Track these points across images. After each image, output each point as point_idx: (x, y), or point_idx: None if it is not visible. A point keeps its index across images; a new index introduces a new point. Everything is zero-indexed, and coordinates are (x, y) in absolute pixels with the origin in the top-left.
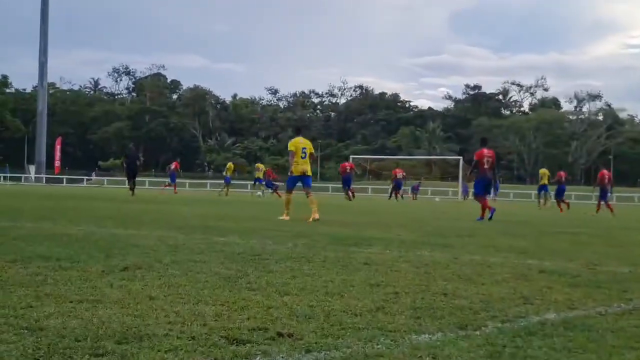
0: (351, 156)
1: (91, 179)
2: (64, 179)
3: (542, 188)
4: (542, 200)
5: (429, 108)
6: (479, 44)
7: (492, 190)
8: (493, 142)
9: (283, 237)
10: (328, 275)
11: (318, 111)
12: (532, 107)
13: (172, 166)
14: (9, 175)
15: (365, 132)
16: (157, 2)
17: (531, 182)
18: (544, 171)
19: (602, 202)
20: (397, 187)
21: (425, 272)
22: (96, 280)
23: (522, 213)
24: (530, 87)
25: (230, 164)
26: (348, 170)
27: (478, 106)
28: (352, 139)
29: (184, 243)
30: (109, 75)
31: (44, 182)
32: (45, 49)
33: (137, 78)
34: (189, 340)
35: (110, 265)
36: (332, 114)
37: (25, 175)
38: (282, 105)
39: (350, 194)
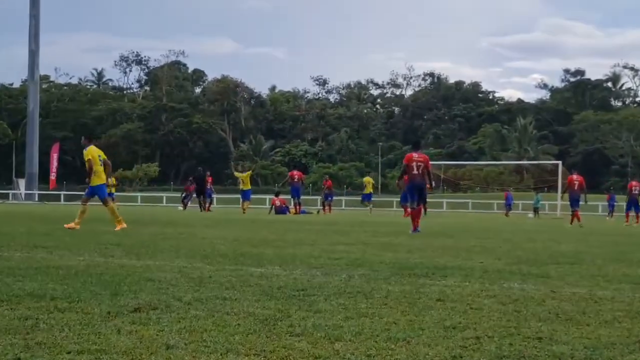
0: None
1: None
2: (62, 196)
3: (366, 197)
4: (370, 207)
5: (519, 100)
6: (581, 18)
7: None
8: (601, 141)
9: (335, 267)
10: (391, 316)
11: (378, 106)
12: None
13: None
14: None
15: (437, 131)
16: None
17: None
18: (367, 179)
19: (573, 210)
20: (326, 198)
21: (514, 310)
22: (100, 325)
23: (638, 232)
24: None
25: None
26: (296, 180)
27: (581, 96)
28: (422, 140)
29: (210, 276)
30: (116, 65)
31: (37, 199)
32: (37, 34)
33: (151, 68)
34: None
35: (117, 306)
36: (396, 109)
37: (14, 191)
38: (332, 100)
39: (298, 207)
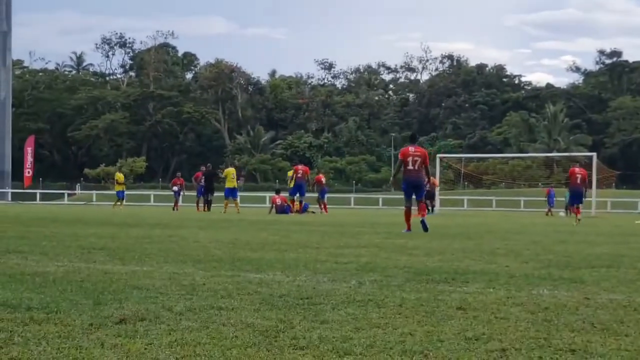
0: (438, 155)
1: (75, 194)
2: (37, 195)
3: (292, 191)
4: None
5: (548, 85)
6: None
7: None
8: None
9: (343, 272)
10: (406, 326)
11: (390, 92)
12: None
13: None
14: None
15: (457, 120)
16: None
17: None
18: (229, 170)
19: (571, 206)
20: (321, 195)
21: (544, 319)
22: (81, 338)
23: None
24: None
25: (228, 170)
26: (300, 175)
27: (618, 81)
28: (439, 131)
29: (203, 283)
30: (97, 47)
31: (10, 199)
32: (8, 13)
33: (137, 51)
34: None
35: (101, 317)
36: (411, 95)
37: None
38: (339, 86)
39: (300, 205)
